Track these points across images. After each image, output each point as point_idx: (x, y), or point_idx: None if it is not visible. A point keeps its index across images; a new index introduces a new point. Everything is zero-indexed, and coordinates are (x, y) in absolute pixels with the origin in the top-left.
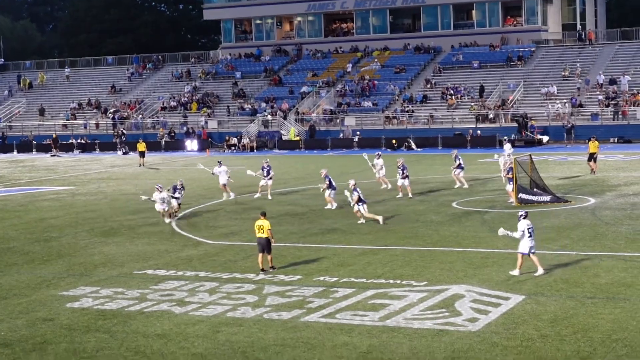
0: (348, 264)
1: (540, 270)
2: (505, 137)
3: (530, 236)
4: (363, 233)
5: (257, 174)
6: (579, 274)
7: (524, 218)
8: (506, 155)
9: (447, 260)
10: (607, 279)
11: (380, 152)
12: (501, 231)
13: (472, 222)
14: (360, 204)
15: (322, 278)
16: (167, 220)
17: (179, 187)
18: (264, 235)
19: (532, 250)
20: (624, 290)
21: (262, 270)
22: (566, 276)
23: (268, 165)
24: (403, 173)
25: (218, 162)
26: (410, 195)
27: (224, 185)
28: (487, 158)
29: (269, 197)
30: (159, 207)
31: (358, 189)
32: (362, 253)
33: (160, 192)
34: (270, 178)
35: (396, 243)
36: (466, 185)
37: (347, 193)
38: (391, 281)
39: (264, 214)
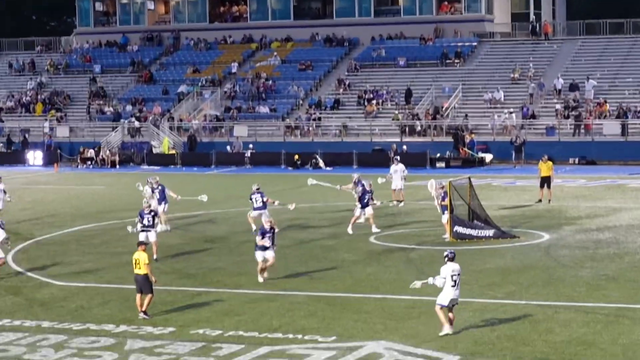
0: (235, 314)
1: (448, 329)
2: (397, 157)
3: (454, 285)
4: (255, 274)
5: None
6: (528, 329)
7: (450, 261)
8: (397, 177)
9: (362, 309)
10: (564, 336)
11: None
12: (417, 284)
13: (394, 261)
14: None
15: (201, 331)
16: None
17: (146, 212)
18: (141, 272)
19: (454, 303)
20: (583, 351)
21: (143, 312)
22: (512, 332)
23: (159, 185)
24: (364, 199)
25: None
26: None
27: None
28: (416, 181)
29: (167, 227)
30: None
31: None
32: (254, 300)
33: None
34: (167, 202)
35: (298, 287)
36: (362, 220)
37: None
38: (291, 336)
39: (141, 244)
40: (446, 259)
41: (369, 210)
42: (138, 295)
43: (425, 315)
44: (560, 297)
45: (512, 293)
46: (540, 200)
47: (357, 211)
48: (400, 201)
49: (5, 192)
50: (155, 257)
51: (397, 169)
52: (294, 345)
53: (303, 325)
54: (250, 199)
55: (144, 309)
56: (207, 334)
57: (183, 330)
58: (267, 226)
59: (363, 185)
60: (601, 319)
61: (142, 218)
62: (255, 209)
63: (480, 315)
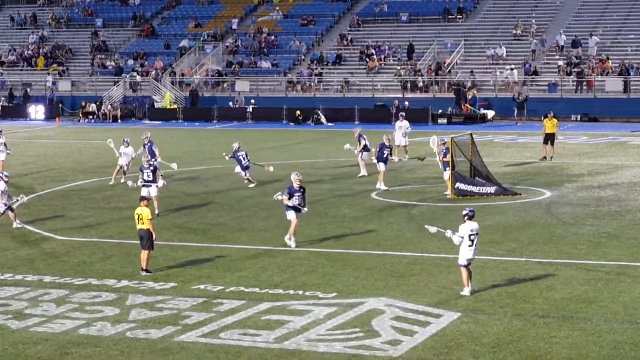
0: (236, 269)
1: (467, 291)
2: (403, 113)
3: (471, 245)
4: (257, 230)
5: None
6: (529, 287)
7: (470, 219)
8: (400, 134)
9: (363, 266)
10: (564, 294)
11: (127, 140)
12: (432, 229)
13: (396, 218)
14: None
15: (202, 286)
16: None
17: (146, 167)
18: (144, 227)
19: (469, 262)
20: (584, 308)
21: (145, 270)
22: (513, 289)
23: (149, 141)
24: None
25: None
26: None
27: None
28: (418, 137)
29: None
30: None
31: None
32: (255, 255)
33: None
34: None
35: (299, 243)
36: (365, 174)
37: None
38: (291, 292)
39: (143, 200)
40: (465, 217)
41: (382, 167)
42: (143, 252)
43: (426, 272)
44: (561, 254)
45: (513, 250)
46: (544, 158)
47: (381, 166)
48: (422, 158)
49: (5, 145)
50: (157, 212)
51: (402, 125)
52: (294, 301)
53: (304, 282)
54: (236, 157)
55: (145, 266)
56: (208, 290)
57: (184, 286)
58: (296, 185)
59: (365, 139)
60: (602, 277)
61: (142, 173)
62: (243, 168)
63: (481, 272)
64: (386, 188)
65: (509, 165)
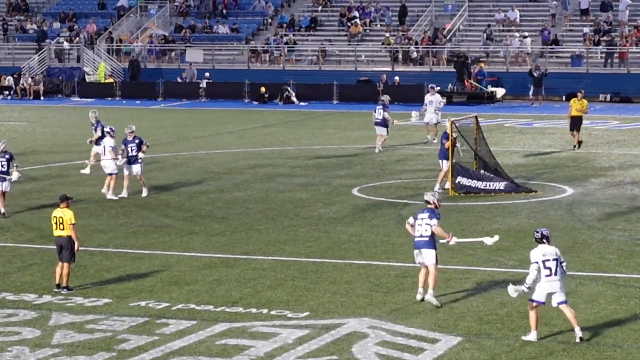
0: (186, 282)
1: (578, 332)
2: (433, 85)
3: (550, 274)
4: (211, 234)
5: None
6: (545, 305)
7: (541, 242)
8: (432, 109)
9: (342, 279)
10: (590, 314)
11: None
12: (513, 290)
13: (383, 219)
14: None
15: (143, 303)
16: None
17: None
18: (64, 233)
19: (559, 300)
20: (613, 332)
21: (58, 286)
22: (526, 308)
23: (97, 121)
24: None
25: None
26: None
27: None
28: (407, 119)
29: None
30: None
31: None
32: (209, 265)
33: None
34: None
35: (263, 250)
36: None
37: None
38: (254, 310)
39: (64, 200)
40: (537, 240)
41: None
42: (60, 265)
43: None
44: (585, 265)
45: (526, 260)
46: (576, 146)
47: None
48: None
49: None
50: (3, 211)
51: (433, 100)
52: (257, 322)
53: (269, 298)
54: (125, 145)
55: (65, 283)
56: (150, 307)
57: (121, 302)
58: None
59: (381, 111)
60: (635, 294)
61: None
62: (132, 162)
63: (487, 288)
64: None
65: (523, 156)
